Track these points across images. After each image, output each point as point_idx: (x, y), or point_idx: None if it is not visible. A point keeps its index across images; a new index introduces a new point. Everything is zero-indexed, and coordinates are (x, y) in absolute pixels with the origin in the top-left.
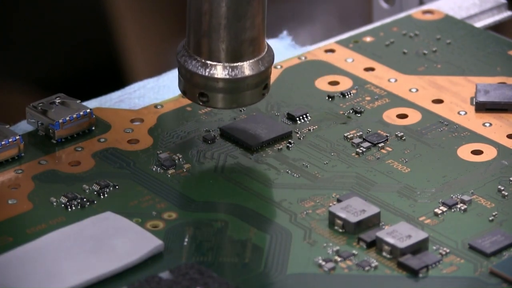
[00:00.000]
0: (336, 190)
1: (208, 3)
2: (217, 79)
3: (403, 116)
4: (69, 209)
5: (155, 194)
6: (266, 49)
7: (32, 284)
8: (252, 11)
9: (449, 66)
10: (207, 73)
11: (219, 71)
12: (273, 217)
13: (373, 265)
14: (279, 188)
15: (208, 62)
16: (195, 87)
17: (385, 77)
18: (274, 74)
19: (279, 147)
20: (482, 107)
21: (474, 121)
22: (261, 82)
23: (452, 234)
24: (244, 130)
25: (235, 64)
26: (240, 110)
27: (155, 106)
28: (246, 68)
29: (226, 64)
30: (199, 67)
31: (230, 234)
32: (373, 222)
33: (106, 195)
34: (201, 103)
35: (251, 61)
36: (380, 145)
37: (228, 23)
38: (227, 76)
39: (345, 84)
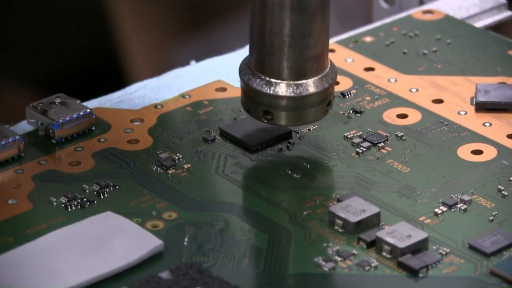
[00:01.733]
0: (336, 190)
1: (272, 22)
2: (282, 97)
3: (403, 116)
4: (69, 209)
5: (155, 194)
6: (329, 66)
7: (32, 284)
8: (316, 28)
9: (449, 66)
10: (271, 91)
11: (284, 89)
12: (273, 217)
13: (373, 265)
14: (279, 188)
15: (273, 80)
16: (259, 105)
17: (385, 77)
18: None
19: (279, 147)
20: (482, 107)
21: (474, 121)
22: (325, 99)
23: (452, 234)
24: (244, 130)
25: (299, 82)
26: (240, 110)
27: (155, 106)
28: (311, 85)
29: (291, 82)
30: (264, 85)
31: (230, 234)
32: (373, 222)
33: (106, 195)
34: (265, 121)
35: (315, 78)
36: (380, 145)
37: (293, 41)
38: (292, 94)
39: (345, 84)
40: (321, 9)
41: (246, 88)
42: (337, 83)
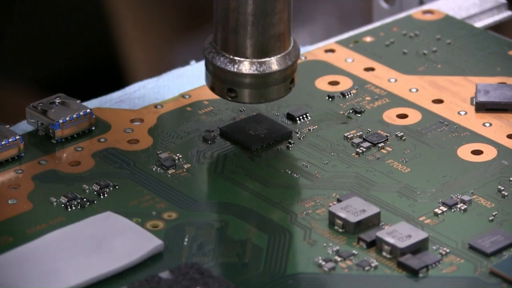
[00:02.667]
0: (336, 190)
1: (235, 0)
2: (245, 75)
3: (403, 116)
4: (69, 209)
5: (155, 194)
6: (292, 44)
7: (32, 284)
8: (279, 7)
9: (449, 66)
10: (235, 69)
11: (247, 67)
12: (273, 217)
13: (373, 265)
14: (279, 188)
15: (236, 58)
16: (223, 83)
17: (385, 77)
18: None
19: (279, 147)
20: (482, 107)
21: (474, 121)
22: (288, 76)
23: (452, 234)
24: (244, 130)
25: (262, 60)
26: (240, 110)
27: (155, 106)
28: (274, 63)
29: (254, 60)
30: (227, 63)
31: (230, 234)
32: (373, 222)
33: (106, 195)
34: (229, 99)
35: (278, 56)
36: (380, 145)
37: (256, 19)
38: (255, 72)
39: (345, 84)
40: None
41: (211, 66)
42: (337, 83)
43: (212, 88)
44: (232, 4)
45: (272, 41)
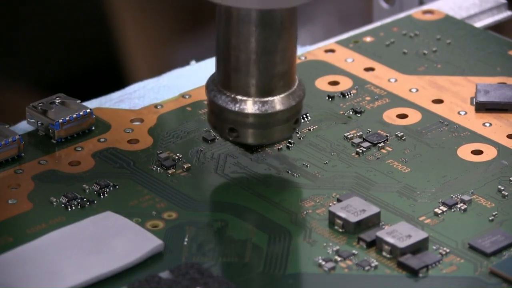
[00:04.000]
0: (336, 190)
1: (237, 37)
2: (247, 115)
3: (403, 116)
4: (69, 209)
5: (155, 194)
6: (297, 83)
7: (32, 284)
8: (282, 45)
9: (449, 66)
10: (237, 109)
11: (249, 107)
12: (273, 217)
13: (373, 265)
14: (279, 188)
15: (238, 97)
16: (224, 122)
17: (385, 77)
18: None
19: (279, 147)
20: (482, 107)
21: (474, 121)
22: (292, 116)
23: (452, 234)
24: None
25: (265, 99)
26: None
27: (155, 106)
28: (277, 103)
29: (256, 99)
30: (229, 103)
31: (230, 234)
32: (373, 222)
33: (106, 195)
34: (231, 139)
35: (281, 95)
36: (380, 145)
37: (258, 57)
38: (257, 112)
39: (345, 84)
40: (287, 25)
41: (212, 105)
42: (337, 83)
43: (214, 127)
44: (234, 42)
45: (275, 80)
